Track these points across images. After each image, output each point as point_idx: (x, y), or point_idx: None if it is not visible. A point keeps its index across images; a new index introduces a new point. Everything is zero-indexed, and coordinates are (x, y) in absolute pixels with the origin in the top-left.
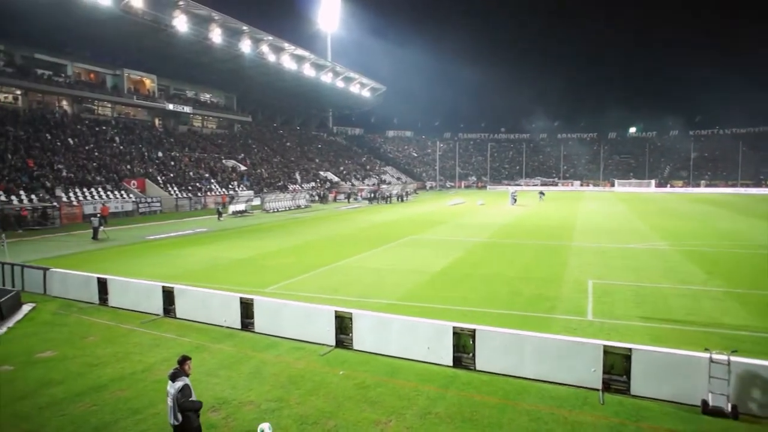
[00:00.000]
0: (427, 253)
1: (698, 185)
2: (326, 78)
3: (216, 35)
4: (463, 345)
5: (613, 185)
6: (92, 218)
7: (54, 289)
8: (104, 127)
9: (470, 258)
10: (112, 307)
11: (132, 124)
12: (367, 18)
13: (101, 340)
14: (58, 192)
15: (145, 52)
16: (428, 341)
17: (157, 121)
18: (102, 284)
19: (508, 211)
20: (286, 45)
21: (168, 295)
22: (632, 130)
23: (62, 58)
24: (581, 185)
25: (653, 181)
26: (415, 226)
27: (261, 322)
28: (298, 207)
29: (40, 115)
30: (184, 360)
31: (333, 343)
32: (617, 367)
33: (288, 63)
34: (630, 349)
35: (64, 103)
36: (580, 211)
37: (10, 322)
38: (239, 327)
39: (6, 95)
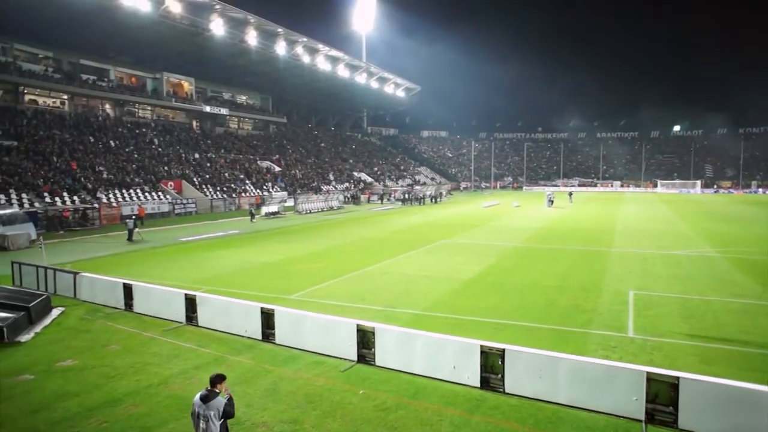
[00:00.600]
0: (459, 259)
1: (749, 186)
2: (360, 78)
3: (252, 38)
4: (492, 365)
5: (655, 186)
6: (127, 220)
7: (83, 293)
8: (144, 130)
9: (503, 264)
10: (137, 313)
11: (170, 126)
12: (402, 18)
13: (122, 349)
14: (100, 194)
15: (184, 56)
16: (454, 360)
17: (194, 123)
18: (127, 290)
19: (545, 213)
20: (320, 46)
21: (190, 303)
22: (676, 128)
23: (106, 63)
24: (621, 186)
25: (699, 182)
26: (447, 229)
27: (282, 333)
28: (331, 208)
29: (85, 118)
30: (218, 380)
31: (354, 358)
32: (663, 397)
33: (322, 64)
34: (678, 378)
35: (107, 106)
36: (620, 213)
37: (38, 327)
38: (260, 338)
39: (54, 100)
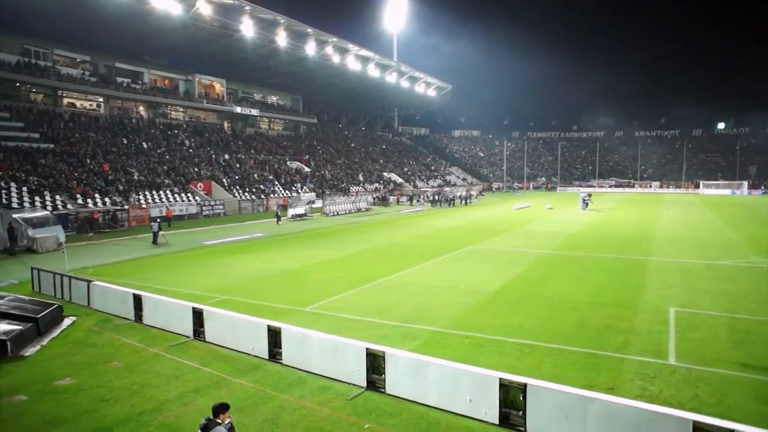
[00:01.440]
0: (486, 268)
1: None
2: (391, 78)
3: (281, 38)
4: (512, 400)
5: (697, 187)
6: (152, 223)
7: (96, 302)
8: (176, 131)
9: (532, 275)
10: (146, 324)
11: (202, 128)
12: (433, 16)
13: (123, 367)
14: (133, 196)
15: (215, 58)
16: (470, 392)
17: (226, 124)
18: (137, 301)
19: (579, 217)
20: (350, 46)
21: (198, 317)
22: (720, 125)
23: (140, 66)
24: (661, 187)
25: (745, 183)
26: (476, 233)
27: (288, 353)
28: (359, 210)
29: (119, 120)
30: (221, 410)
31: (363, 384)
32: None
33: (352, 64)
34: (732, 431)
35: (141, 108)
36: (659, 217)
37: (45, 339)
38: (267, 357)
39: (91, 102)
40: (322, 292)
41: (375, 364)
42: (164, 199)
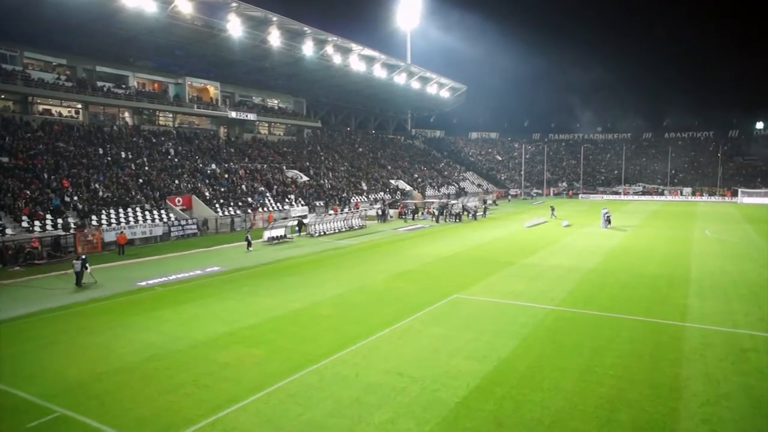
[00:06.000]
0: (462, 342)
1: None
2: (400, 79)
3: (275, 38)
4: None
5: (734, 195)
6: (74, 261)
7: None
8: (162, 138)
9: (522, 360)
10: None
11: (192, 134)
12: (448, 14)
13: None
14: (88, 217)
15: (207, 59)
16: None
17: (221, 130)
18: None
19: (600, 239)
20: (353, 45)
21: None
22: (759, 125)
23: (124, 69)
24: (693, 194)
25: None
26: (471, 268)
27: None
28: (351, 228)
29: (97, 128)
30: None
31: None
32: None
33: (356, 64)
34: None
35: (126, 115)
36: (694, 239)
37: None
38: None
39: (69, 109)
40: (210, 401)
41: None
42: (131, 219)
